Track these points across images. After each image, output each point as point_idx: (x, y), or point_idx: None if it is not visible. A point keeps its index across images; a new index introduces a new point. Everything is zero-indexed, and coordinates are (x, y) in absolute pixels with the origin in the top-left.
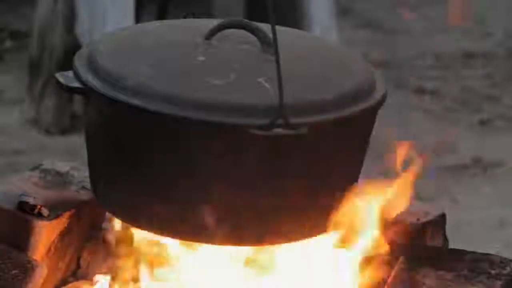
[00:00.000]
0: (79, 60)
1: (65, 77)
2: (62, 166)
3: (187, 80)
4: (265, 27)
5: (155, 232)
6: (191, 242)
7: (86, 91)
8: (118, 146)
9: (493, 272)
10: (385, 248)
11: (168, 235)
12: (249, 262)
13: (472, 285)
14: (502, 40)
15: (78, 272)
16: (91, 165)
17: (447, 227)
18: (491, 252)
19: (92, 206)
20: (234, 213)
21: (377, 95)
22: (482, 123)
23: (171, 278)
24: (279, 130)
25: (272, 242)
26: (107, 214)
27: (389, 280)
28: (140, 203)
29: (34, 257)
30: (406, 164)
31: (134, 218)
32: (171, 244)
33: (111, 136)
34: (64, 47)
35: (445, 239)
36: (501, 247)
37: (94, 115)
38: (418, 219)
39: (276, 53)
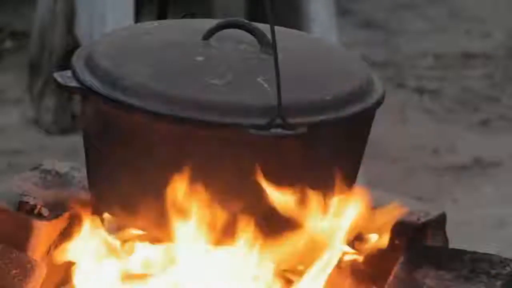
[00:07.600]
0: (77, 60)
1: (63, 77)
2: (62, 166)
3: (186, 80)
4: (264, 27)
5: (154, 233)
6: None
7: (84, 90)
8: (115, 146)
9: (493, 272)
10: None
11: (167, 235)
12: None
13: (472, 285)
14: (502, 40)
15: None
16: (89, 165)
17: (447, 227)
18: (491, 252)
19: (92, 206)
20: (232, 213)
21: (376, 96)
22: (482, 123)
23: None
24: (277, 130)
25: (272, 242)
26: (106, 214)
27: (389, 280)
28: (138, 202)
29: (34, 257)
30: None
31: (132, 218)
32: (169, 244)
33: (109, 135)
34: (64, 47)
35: (445, 239)
36: (501, 247)
37: (92, 114)
38: (418, 219)
39: (275, 53)
